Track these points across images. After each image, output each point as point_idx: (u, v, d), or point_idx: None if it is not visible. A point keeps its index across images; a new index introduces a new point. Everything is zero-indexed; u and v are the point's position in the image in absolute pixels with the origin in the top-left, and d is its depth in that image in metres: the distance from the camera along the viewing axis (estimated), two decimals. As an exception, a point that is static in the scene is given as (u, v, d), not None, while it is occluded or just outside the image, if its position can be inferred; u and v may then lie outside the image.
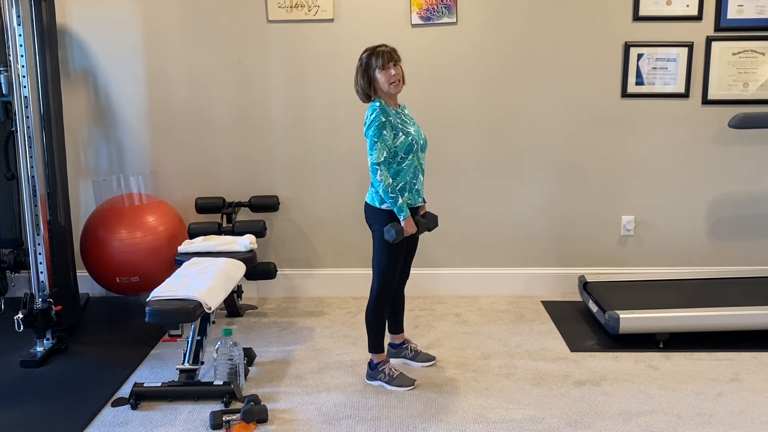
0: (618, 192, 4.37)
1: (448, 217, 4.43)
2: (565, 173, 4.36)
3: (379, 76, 3.04)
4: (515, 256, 4.47)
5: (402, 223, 3.06)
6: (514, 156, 4.35)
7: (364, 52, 3.09)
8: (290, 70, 4.31)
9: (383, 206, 3.10)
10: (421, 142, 3.17)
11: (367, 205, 3.19)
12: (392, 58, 3.06)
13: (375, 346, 3.26)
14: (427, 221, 3.22)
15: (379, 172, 3.01)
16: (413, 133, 3.11)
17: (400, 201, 3.04)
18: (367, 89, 3.08)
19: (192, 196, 4.47)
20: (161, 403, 3.10)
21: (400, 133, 3.06)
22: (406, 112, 3.22)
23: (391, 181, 3.03)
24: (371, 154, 3.02)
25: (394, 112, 3.09)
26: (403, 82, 3.11)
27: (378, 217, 3.13)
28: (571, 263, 4.47)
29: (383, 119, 3.01)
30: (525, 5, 4.17)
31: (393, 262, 3.15)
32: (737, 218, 4.38)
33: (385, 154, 3.02)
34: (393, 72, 3.04)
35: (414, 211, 3.19)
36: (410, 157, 3.09)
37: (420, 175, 3.19)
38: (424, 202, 3.31)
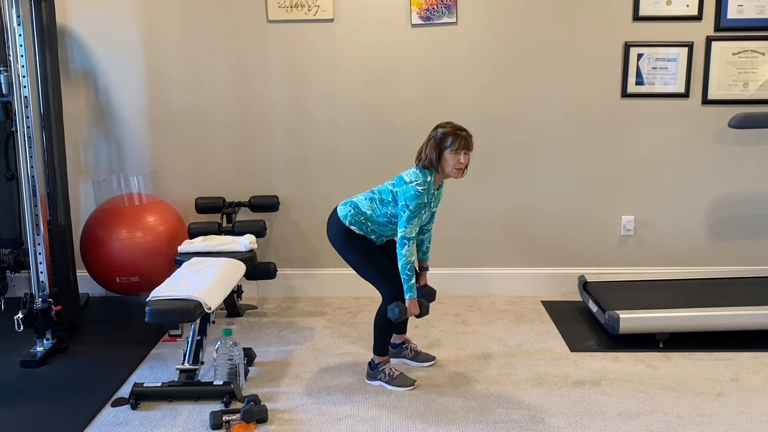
0: (618, 192, 4.37)
1: (448, 217, 4.43)
2: (565, 173, 4.36)
3: (448, 156, 3.04)
4: (515, 256, 4.47)
5: (407, 303, 3.10)
6: (514, 156, 4.35)
7: (441, 126, 3.08)
8: (290, 70, 4.31)
9: (352, 227, 3.16)
10: (426, 227, 3.27)
11: (335, 216, 3.22)
12: (468, 145, 3.06)
13: (380, 348, 3.26)
14: (427, 301, 3.27)
15: (406, 246, 3.05)
16: (423, 219, 3.16)
17: (412, 281, 3.08)
18: (435, 162, 3.07)
19: (192, 196, 4.47)
20: (161, 403, 3.10)
21: (424, 214, 3.13)
22: (441, 193, 3.25)
23: (413, 259, 3.07)
24: (405, 227, 3.04)
25: (432, 192, 3.12)
26: (466, 172, 3.16)
27: (340, 234, 3.18)
28: (571, 263, 4.47)
29: (426, 200, 3.06)
30: (525, 5, 4.17)
31: (378, 264, 3.17)
32: (737, 218, 4.38)
33: (417, 230, 3.07)
34: (462, 159, 3.05)
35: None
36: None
37: (426, 243, 3.34)
38: (427, 269, 3.40)
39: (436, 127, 3.09)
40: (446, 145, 3.04)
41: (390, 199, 3.10)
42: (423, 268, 3.39)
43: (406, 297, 3.10)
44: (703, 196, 4.36)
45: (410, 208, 3.03)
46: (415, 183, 3.03)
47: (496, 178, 4.38)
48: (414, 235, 3.06)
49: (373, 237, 3.20)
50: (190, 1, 4.26)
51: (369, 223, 3.16)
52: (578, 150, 4.33)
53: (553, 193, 4.39)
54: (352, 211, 3.17)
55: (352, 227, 3.16)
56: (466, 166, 3.09)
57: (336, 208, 3.25)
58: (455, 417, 2.94)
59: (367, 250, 3.17)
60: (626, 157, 4.33)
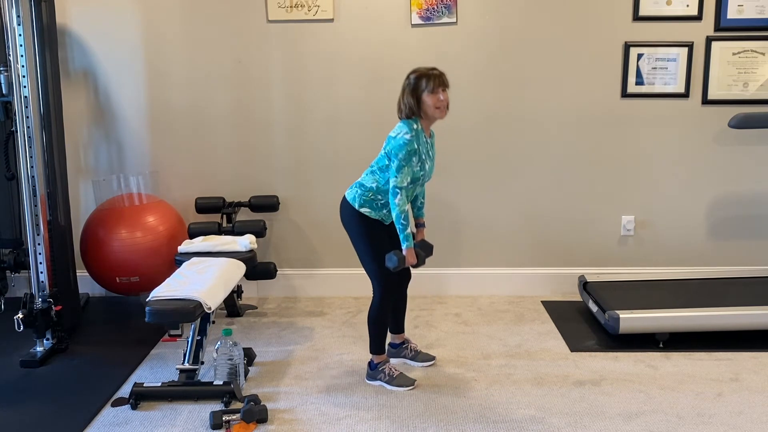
0: (618, 192, 4.37)
1: (447, 216, 4.43)
2: (565, 173, 4.36)
3: (427, 98, 3.05)
4: (515, 256, 4.47)
5: (404, 252, 3.09)
6: (514, 156, 4.35)
7: (412, 72, 3.08)
8: (290, 70, 4.31)
9: (362, 210, 3.14)
10: (428, 178, 3.20)
11: (345, 202, 3.21)
12: (443, 82, 3.07)
13: (376, 347, 3.26)
14: (425, 253, 3.25)
15: (399, 196, 3.03)
16: (427, 169, 3.14)
17: (408, 231, 3.08)
18: (416, 109, 3.07)
19: (192, 196, 4.47)
20: (161, 403, 3.10)
21: (416, 166, 3.07)
22: (433, 141, 3.23)
23: (407, 207, 3.06)
24: (396, 177, 3.03)
25: (423, 140, 3.10)
26: (447, 109, 3.12)
27: (354, 219, 3.16)
28: (571, 263, 4.47)
29: (416, 146, 3.03)
30: (525, 5, 4.17)
31: (380, 261, 3.16)
32: (737, 218, 4.38)
33: (408, 179, 3.04)
34: (441, 97, 3.05)
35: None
36: (410, 186, 3.10)
37: (420, 198, 3.29)
38: (423, 226, 3.38)
39: (408, 75, 3.09)
40: (422, 88, 3.04)
41: (386, 163, 3.09)
42: (419, 225, 3.39)
43: (403, 246, 3.08)
44: (703, 196, 4.36)
45: (399, 157, 3.01)
46: (403, 134, 3.03)
47: (496, 178, 4.38)
48: (405, 185, 3.03)
49: (384, 212, 3.17)
50: (190, 1, 4.26)
51: (378, 197, 3.13)
52: (578, 150, 4.33)
53: (553, 193, 4.39)
54: (359, 191, 3.16)
55: (363, 210, 3.14)
56: (447, 105, 3.09)
57: (345, 194, 3.24)
58: (455, 417, 2.94)
59: (376, 240, 3.15)
60: (626, 157, 4.33)
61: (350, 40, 4.25)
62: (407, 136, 3.01)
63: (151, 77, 4.35)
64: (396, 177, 3.03)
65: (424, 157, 3.09)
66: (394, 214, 3.05)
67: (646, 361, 3.47)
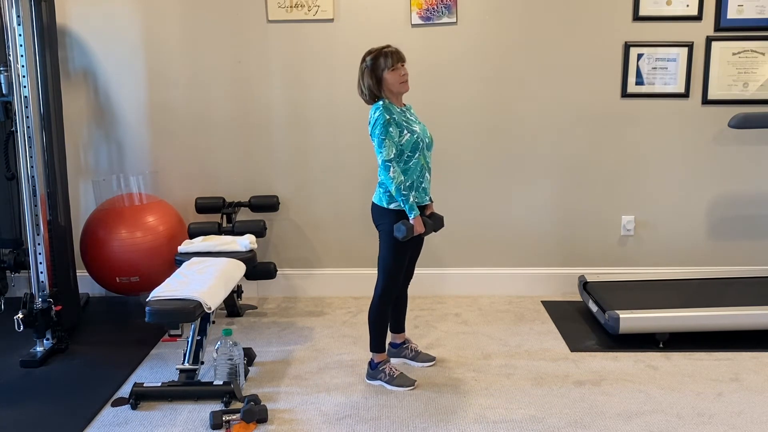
0: (618, 192, 4.37)
1: (448, 216, 4.43)
2: (565, 173, 4.36)
3: (389, 76, 3.05)
4: (515, 256, 4.47)
5: (411, 222, 3.07)
6: (514, 156, 4.35)
7: (368, 54, 3.10)
8: (290, 70, 4.31)
9: (391, 206, 3.12)
10: (427, 140, 3.17)
11: (374, 205, 3.20)
12: (401, 57, 3.08)
13: (376, 345, 3.26)
14: (434, 222, 3.23)
15: (391, 169, 3.03)
16: (419, 131, 3.11)
17: (411, 200, 3.06)
18: (376, 90, 3.08)
19: (192, 196, 4.47)
20: (161, 403, 3.10)
21: (405, 131, 3.06)
22: (412, 110, 3.24)
23: (402, 178, 3.05)
24: (380, 152, 3.03)
25: (398, 110, 3.10)
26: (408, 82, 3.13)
27: (385, 217, 3.14)
28: (571, 263, 4.47)
29: (387, 117, 3.02)
30: (525, 6, 4.17)
31: (399, 262, 3.16)
32: (737, 218, 4.38)
33: (394, 151, 3.03)
34: (403, 72, 3.07)
35: (421, 209, 3.20)
36: (417, 155, 3.09)
37: (427, 174, 3.20)
38: (431, 201, 3.33)
39: (363, 59, 3.09)
40: (381, 67, 3.05)
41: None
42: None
43: (410, 216, 3.06)
44: (703, 196, 4.36)
45: (377, 132, 3.01)
46: (374, 115, 3.03)
47: (495, 178, 4.38)
48: (393, 156, 3.02)
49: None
50: (190, 1, 4.26)
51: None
52: (578, 150, 4.33)
53: (553, 193, 4.39)
54: (380, 189, 3.15)
55: (393, 206, 3.11)
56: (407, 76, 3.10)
57: (372, 201, 3.22)
58: (455, 417, 2.94)
59: (404, 244, 3.14)
60: (626, 157, 4.33)
61: (350, 40, 4.25)
62: (377, 113, 3.03)
63: (151, 77, 4.35)
64: (381, 152, 3.03)
65: (405, 123, 3.08)
66: (393, 188, 3.04)
67: (646, 361, 3.47)
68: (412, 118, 3.16)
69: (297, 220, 4.50)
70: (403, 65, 3.08)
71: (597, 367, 3.42)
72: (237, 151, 4.42)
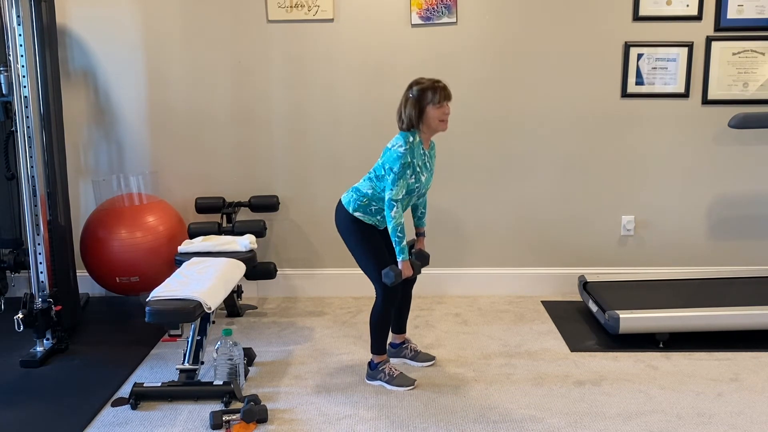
0: (618, 192, 4.37)
1: (448, 216, 4.43)
2: (565, 173, 4.36)
3: (432, 111, 3.03)
4: (515, 256, 4.47)
5: (400, 265, 3.09)
6: (514, 156, 4.35)
7: (416, 83, 3.05)
8: (290, 70, 4.31)
9: (356, 214, 3.15)
10: (423, 190, 3.19)
11: (340, 205, 3.21)
12: (448, 96, 3.05)
13: (377, 347, 3.26)
14: (420, 263, 3.25)
15: (395, 209, 3.03)
16: (423, 181, 3.13)
17: (404, 243, 3.07)
18: (416, 121, 3.04)
19: (192, 196, 4.47)
20: (161, 403, 3.10)
21: (412, 176, 3.07)
22: (433, 153, 3.22)
23: (403, 221, 3.06)
24: (391, 190, 3.02)
25: (420, 153, 3.08)
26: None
27: (348, 224, 3.17)
28: (571, 263, 4.47)
29: (410, 159, 3.02)
30: (525, 5, 4.17)
31: (378, 257, 3.16)
32: (737, 218, 4.38)
33: (404, 192, 3.04)
34: (447, 110, 3.05)
35: (410, 245, 3.25)
36: (405, 197, 3.10)
37: (421, 208, 3.32)
38: (423, 235, 3.38)
39: (410, 86, 3.06)
40: (427, 100, 3.02)
41: (383, 173, 3.09)
42: (419, 234, 3.38)
43: (399, 259, 3.08)
44: (703, 196, 4.36)
45: (394, 170, 3.01)
46: (397, 146, 3.02)
47: (496, 178, 4.38)
48: (401, 197, 3.03)
49: (378, 218, 3.17)
50: (190, 2, 4.26)
51: (372, 204, 3.14)
52: (578, 150, 4.33)
53: (553, 193, 4.39)
54: (355, 195, 3.17)
55: (357, 214, 3.15)
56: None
57: (340, 198, 3.25)
58: (455, 417, 2.94)
59: (370, 242, 3.16)
60: (626, 157, 4.33)
61: (350, 40, 4.25)
62: (401, 149, 3.01)
63: (151, 77, 4.36)
64: (392, 190, 3.02)
65: (419, 169, 3.08)
66: (390, 227, 3.05)
67: (646, 361, 3.47)
68: (428, 164, 3.15)
69: (297, 220, 4.50)
70: (448, 104, 3.06)
71: (597, 367, 3.42)
72: (237, 151, 4.42)
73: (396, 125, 4.30)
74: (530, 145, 4.33)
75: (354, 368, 3.44)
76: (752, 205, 4.36)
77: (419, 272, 3.22)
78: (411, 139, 3.04)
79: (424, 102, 3.02)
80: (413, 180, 3.06)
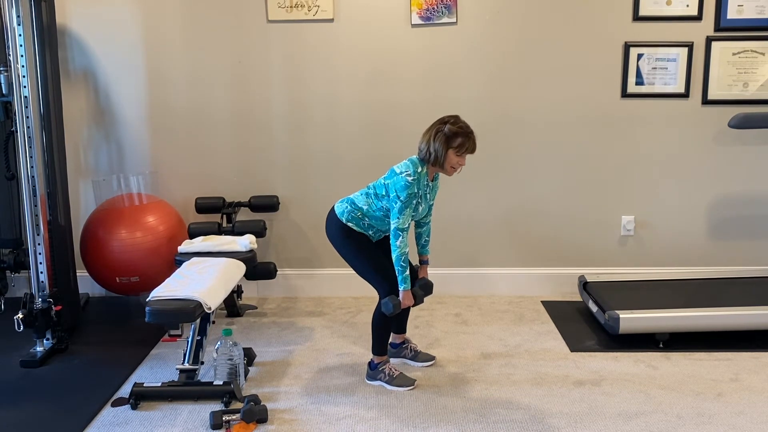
0: (618, 192, 4.37)
1: (448, 216, 4.43)
2: (565, 173, 4.36)
3: (452, 156, 3.04)
4: (515, 256, 4.48)
5: (401, 295, 3.09)
6: (514, 156, 4.35)
7: (452, 122, 3.03)
8: (290, 70, 4.31)
9: (348, 224, 3.15)
10: (419, 218, 3.21)
11: (332, 214, 3.21)
12: (472, 150, 3.07)
13: (379, 348, 3.26)
14: (423, 292, 3.24)
15: (400, 238, 3.03)
16: (419, 211, 3.13)
17: (406, 273, 3.07)
18: (436, 156, 3.03)
19: (192, 196, 4.47)
20: (161, 403, 3.10)
21: (413, 204, 3.09)
22: (437, 185, 3.23)
23: (407, 250, 3.06)
24: (397, 219, 3.03)
25: (424, 183, 3.09)
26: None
27: (339, 231, 3.17)
28: (571, 263, 4.47)
29: (416, 190, 3.04)
30: (525, 6, 4.17)
31: (375, 263, 3.16)
32: (737, 218, 4.38)
33: (409, 221, 3.05)
34: (463, 162, 3.07)
35: (413, 274, 3.25)
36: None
37: (425, 236, 3.32)
38: (427, 263, 3.37)
39: (444, 122, 3.04)
40: (454, 144, 3.01)
41: (384, 193, 3.09)
42: (423, 262, 3.38)
43: (400, 289, 3.09)
44: (703, 196, 4.36)
45: (401, 198, 3.01)
46: (405, 174, 3.02)
47: (496, 178, 4.38)
48: (407, 226, 3.04)
49: (370, 233, 3.19)
50: (190, 1, 4.26)
51: (366, 219, 3.16)
52: (578, 150, 4.33)
53: (553, 193, 4.39)
54: (349, 207, 3.17)
55: (350, 224, 3.16)
56: None
57: (333, 206, 3.25)
58: (455, 417, 2.94)
59: (364, 248, 3.16)
60: (626, 157, 4.33)
61: (350, 41, 4.25)
62: (409, 179, 3.01)
63: (151, 77, 4.36)
64: (398, 218, 3.03)
65: (419, 199, 3.10)
66: (393, 256, 3.05)
67: (646, 361, 3.47)
68: (428, 195, 3.16)
69: (297, 220, 4.50)
70: (466, 156, 3.08)
71: (597, 367, 3.42)
72: (237, 151, 4.42)
73: (394, 127, 4.32)
74: (530, 145, 4.33)
75: (354, 368, 3.44)
76: (752, 205, 4.36)
77: (422, 302, 3.21)
78: (419, 169, 3.05)
79: (452, 143, 3.02)
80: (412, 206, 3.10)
